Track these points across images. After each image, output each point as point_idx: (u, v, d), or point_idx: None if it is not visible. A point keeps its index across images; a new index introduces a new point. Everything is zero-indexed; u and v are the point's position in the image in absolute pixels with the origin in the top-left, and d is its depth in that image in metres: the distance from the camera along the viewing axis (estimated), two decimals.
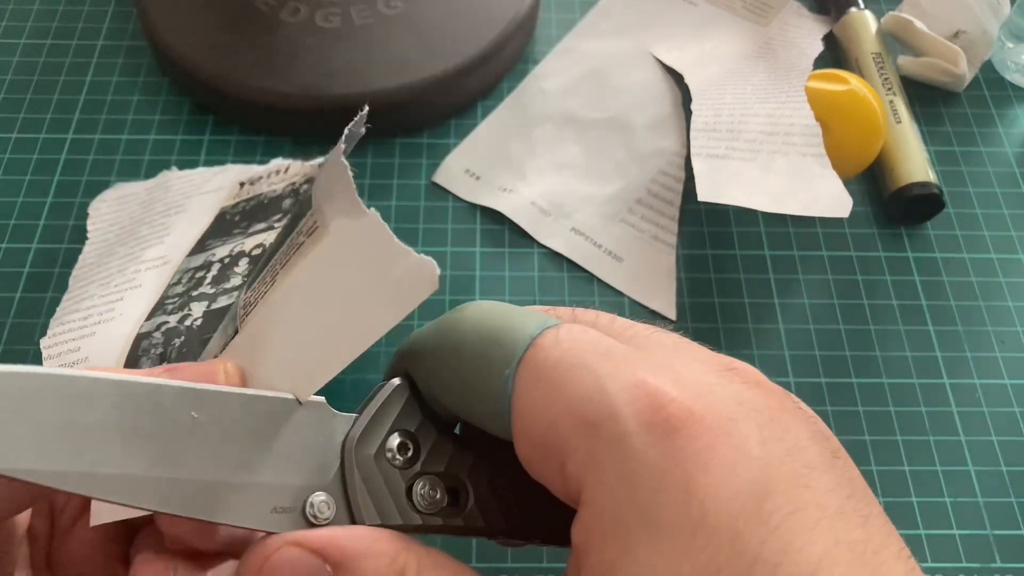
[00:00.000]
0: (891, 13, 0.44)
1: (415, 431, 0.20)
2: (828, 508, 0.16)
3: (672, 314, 0.36)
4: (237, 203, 0.33)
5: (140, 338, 0.28)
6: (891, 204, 0.39)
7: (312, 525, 0.18)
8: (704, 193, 0.35)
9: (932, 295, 0.37)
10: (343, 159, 0.19)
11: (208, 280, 0.29)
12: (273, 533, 0.17)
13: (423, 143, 0.42)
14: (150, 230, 0.34)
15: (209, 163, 0.41)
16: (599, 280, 0.37)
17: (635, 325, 0.19)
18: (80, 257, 0.34)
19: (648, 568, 0.15)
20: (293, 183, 0.32)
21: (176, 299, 0.29)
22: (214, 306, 0.28)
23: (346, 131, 0.20)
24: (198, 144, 0.41)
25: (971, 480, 0.33)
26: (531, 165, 0.41)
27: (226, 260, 0.30)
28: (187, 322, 0.28)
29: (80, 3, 0.47)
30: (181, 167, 0.40)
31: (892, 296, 0.37)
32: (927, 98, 0.44)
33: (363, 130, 0.20)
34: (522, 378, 0.18)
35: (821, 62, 0.43)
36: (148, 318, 0.29)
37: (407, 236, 0.38)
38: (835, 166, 0.36)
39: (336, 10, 0.43)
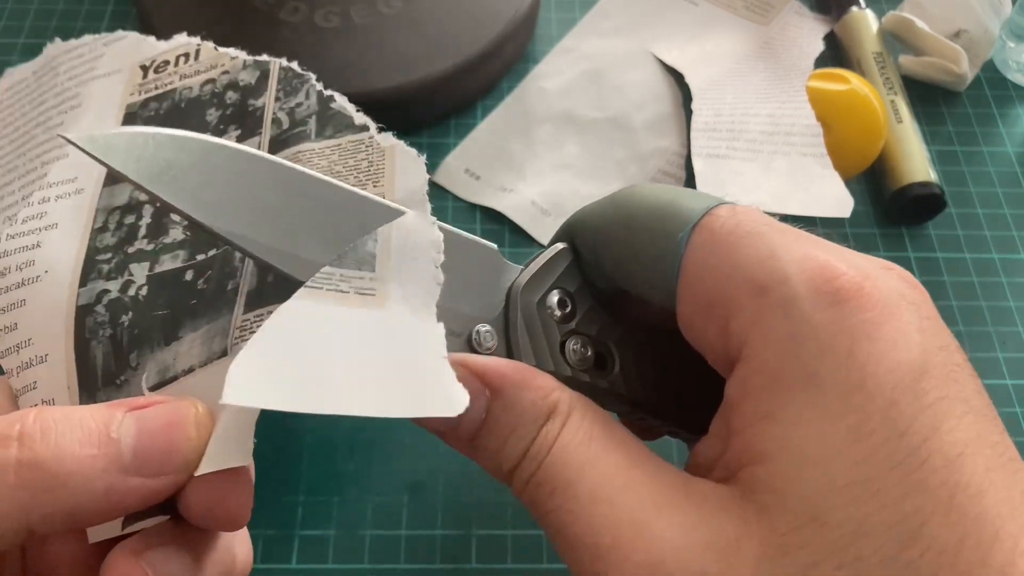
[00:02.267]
0: (892, 12, 0.44)
1: (574, 292, 0.21)
2: (974, 405, 0.17)
3: None
4: (146, 100, 0.29)
5: (82, 312, 0.24)
6: (892, 204, 0.39)
7: (475, 352, 0.19)
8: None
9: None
10: (437, 268, 0.19)
11: (143, 231, 0.26)
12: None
13: (423, 143, 0.42)
14: (46, 134, 0.29)
15: None
16: None
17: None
18: None
19: (804, 420, 0.16)
20: (211, 80, 0.28)
21: (109, 254, 0.25)
22: (158, 268, 0.25)
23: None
24: None
25: None
26: (531, 165, 0.41)
27: (157, 202, 0.27)
28: (131, 291, 0.25)
29: (79, 2, 0.47)
30: None
31: None
32: (928, 97, 0.44)
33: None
34: (696, 241, 0.19)
35: (822, 62, 0.43)
36: (82, 283, 0.25)
37: None
38: (836, 166, 0.36)
39: (336, 9, 0.43)
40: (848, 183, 0.36)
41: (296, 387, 0.17)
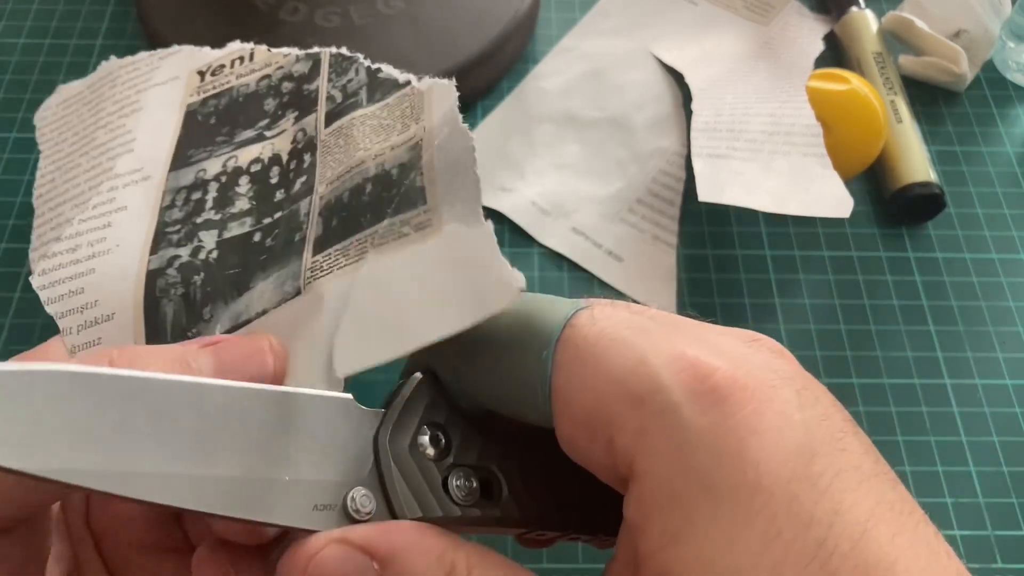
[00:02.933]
0: (892, 12, 0.44)
1: (444, 423, 0.20)
2: (864, 470, 0.16)
3: None
4: (205, 99, 0.30)
5: (152, 276, 0.25)
6: (892, 204, 0.39)
7: (354, 521, 0.18)
8: (705, 193, 0.35)
9: (933, 295, 0.37)
10: (475, 171, 0.19)
11: (209, 204, 0.27)
12: (314, 531, 0.17)
13: None
14: (109, 135, 0.31)
15: None
16: (599, 280, 0.37)
17: (650, 309, 0.19)
18: (38, 174, 0.31)
19: (712, 534, 0.16)
20: (267, 76, 0.30)
21: (178, 226, 0.27)
22: (227, 235, 0.26)
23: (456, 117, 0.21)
24: None
25: (972, 481, 0.33)
26: (531, 165, 0.41)
27: (223, 179, 0.28)
28: (201, 255, 0.26)
29: (79, 3, 0.47)
30: None
31: (893, 296, 0.37)
32: (928, 98, 0.44)
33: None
34: (561, 358, 0.18)
35: (822, 61, 0.43)
36: (153, 251, 0.26)
37: None
38: (836, 166, 0.36)
39: (336, 9, 0.43)
40: (848, 183, 0.36)
41: (384, 339, 0.18)
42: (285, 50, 0.29)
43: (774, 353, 0.18)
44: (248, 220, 0.26)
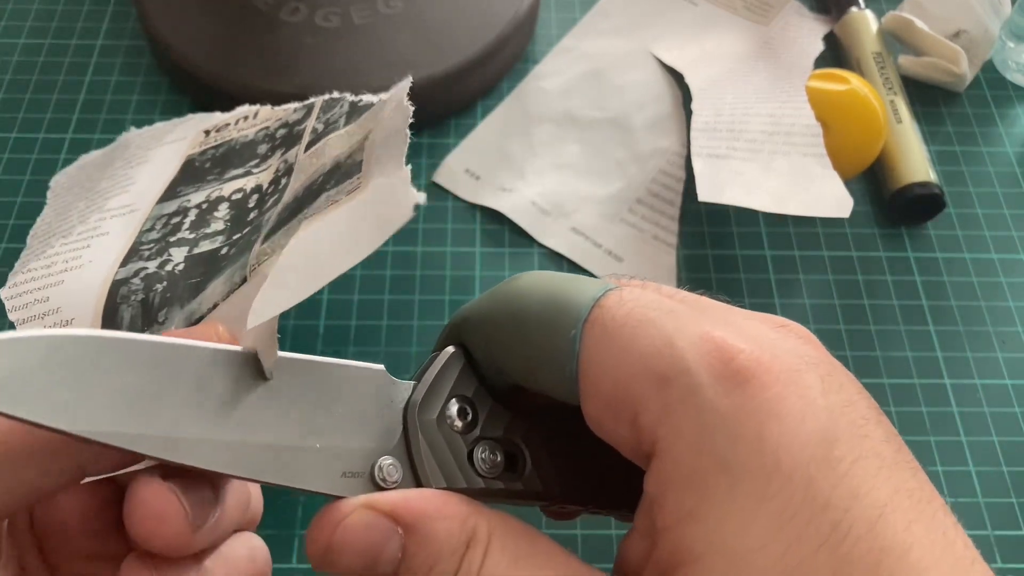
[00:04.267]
0: (892, 12, 0.44)
1: (472, 397, 0.20)
2: (885, 457, 0.16)
3: None
4: (204, 150, 0.32)
5: (116, 285, 0.26)
6: (892, 204, 0.39)
7: (380, 489, 0.18)
8: (704, 193, 0.35)
9: (933, 295, 0.37)
10: (406, 131, 0.19)
11: (186, 225, 0.28)
12: (342, 497, 0.18)
13: (423, 143, 0.42)
14: (111, 183, 0.32)
15: None
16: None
17: (680, 292, 0.20)
18: (39, 219, 0.33)
19: (726, 512, 0.16)
20: (266, 128, 0.31)
21: (152, 244, 0.28)
22: (196, 251, 0.27)
23: (399, 97, 0.21)
24: None
25: (972, 480, 0.33)
26: (531, 165, 0.41)
27: (204, 206, 0.29)
28: (168, 267, 0.27)
29: (79, 3, 0.47)
30: None
31: (893, 296, 0.37)
32: (928, 98, 0.44)
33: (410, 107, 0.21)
34: (589, 337, 0.18)
35: (822, 62, 0.43)
36: (122, 264, 0.27)
37: (407, 236, 0.38)
38: (836, 166, 0.36)
39: (336, 10, 0.43)
40: (848, 183, 0.36)
41: (295, 284, 0.17)
42: (287, 105, 0.30)
43: (801, 339, 0.18)
44: (220, 238, 0.26)
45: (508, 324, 0.20)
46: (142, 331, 0.23)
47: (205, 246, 0.27)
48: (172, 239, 0.27)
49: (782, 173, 0.36)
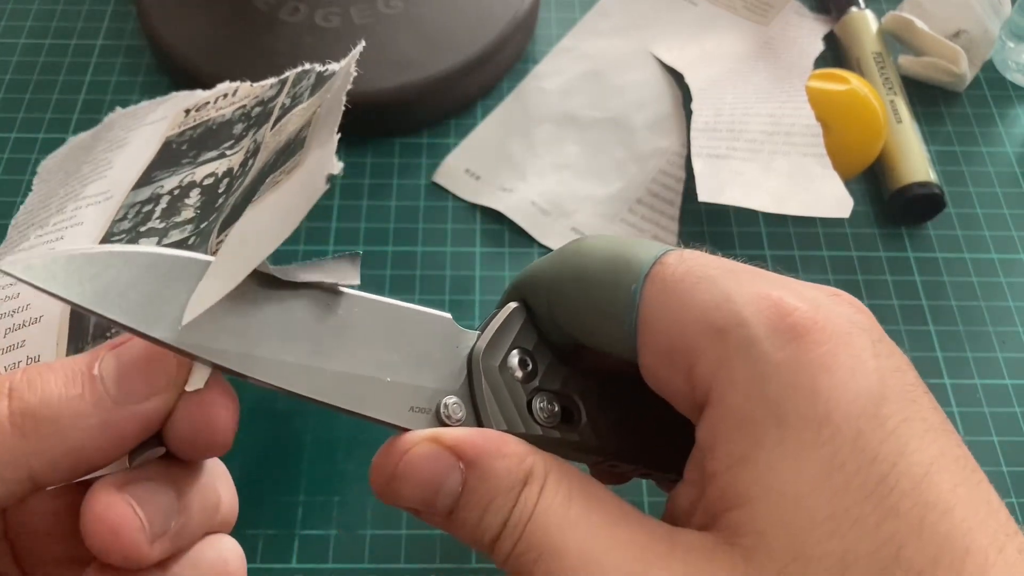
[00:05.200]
0: (892, 12, 0.44)
1: (532, 350, 0.21)
2: (932, 423, 0.17)
3: None
4: (183, 131, 0.31)
5: None
6: (892, 204, 0.39)
7: (444, 426, 0.19)
8: (704, 193, 0.35)
9: (933, 295, 0.37)
10: (342, 99, 0.19)
11: (157, 214, 0.27)
12: (408, 430, 0.19)
13: (423, 143, 0.42)
14: (91, 168, 0.32)
15: None
16: None
17: (736, 262, 0.21)
18: (21, 208, 0.32)
19: (777, 457, 0.17)
20: (243, 106, 0.30)
21: (123, 235, 0.27)
22: (165, 241, 0.26)
23: (343, 66, 0.20)
24: None
25: None
26: (531, 165, 0.41)
27: (175, 192, 0.28)
28: None
29: (79, 3, 0.47)
30: None
31: (893, 296, 0.37)
32: (928, 98, 0.44)
33: (354, 71, 0.21)
34: (649, 291, 0.19)
35: (822, 62, 0.43)
36: None
37: (407, 236, 0.38)
38: (836, 166, 0.36)
39: (336, 10, 0.43)
40: (848, 183, 0.36)
41: (234, 264, 0.18)
42: (265, 81, 0.30)
43: (853, 307, 0.19)
44: (189, 227, 0.26)
45: (571, 281, 0.21)
46: (107, 328, 0.23)
47: (174, 236, 0.26)
48: (143, 228, 0.27)
49: (782, 173, 0.36)
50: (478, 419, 0.20)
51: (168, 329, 0.17)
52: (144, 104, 0.34)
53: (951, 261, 0.38)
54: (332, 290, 0.19)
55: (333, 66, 0.25)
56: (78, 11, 0.47)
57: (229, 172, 0.27)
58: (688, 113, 0.41)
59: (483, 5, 0.43)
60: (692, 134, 0.38)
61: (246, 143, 0.28)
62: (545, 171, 0.40)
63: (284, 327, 0.18)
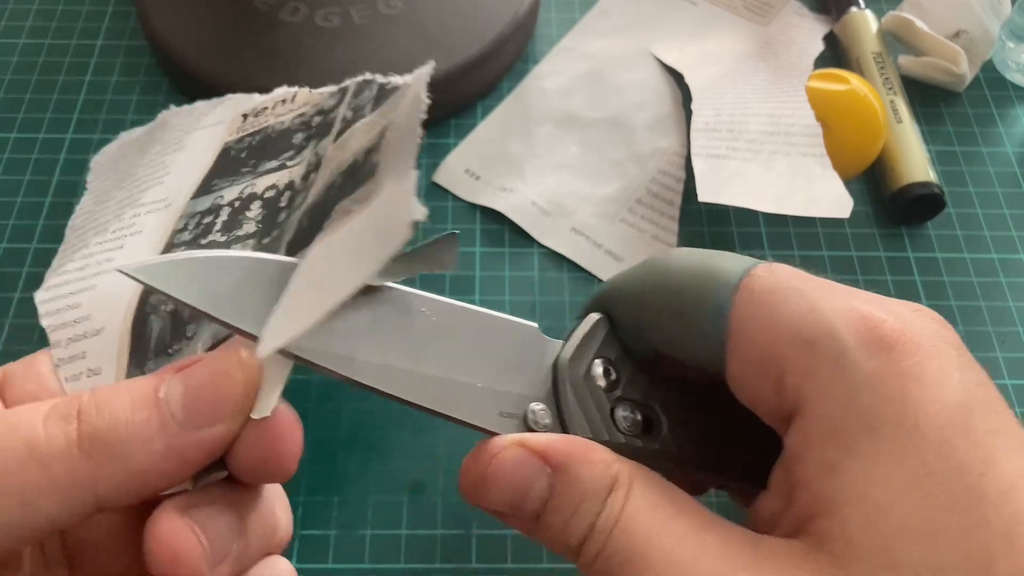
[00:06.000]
0: (892, 12, 0.44)
1: (615, 359, 0.22)
2: (1018, 436, 0.17)
3: None
4: (241, 137, 0.31)
5: (147, 293, 0.25)
6: (892, 204, 0.39)
7: (532, 431, 0.20)
8: (704, 193, 0.35)
9: (933, 295, 0.37)
10: (419, 129, 0.19)
11: (218, 226, 0.27)
12: (496, 434, 0.19)
13: (423, 143, 0.42)
14: (147, 171, 0.32)
15: None
16: (599, 280, 0.37)
17: (822, 279, 0.21)
18: (78, 208, 0.32)
19: (867, 466, 0.17)
20: (303, 114, 0.30)
21: (183, 247, 0.27)
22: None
23: (416, 88, 0.20)
24: None
25: None
26: (531, 165, 0.41)
27: (236, 204, 0.28)
28: None
29: (79, 3, 0.47)
30: None
31: (893, 296, 0.37)
32: (928, 98, 0.44)
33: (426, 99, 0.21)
34: (739, 302, 0.20)
35: (822, 62, 0.43)
36: None
37: None
38: (835, 166, 0.36)
39: (336, 10, 0.43)
40: (848, 183, 0.36)
41: (308, 309, 0.18)
42: (324, 89, 0.30)
43: (937, 322, 0.19)
44: (250, 242, 0.26)
45: (659, 292, 0.21)
46: (169, 345, 0.23)
47: (236, 252, 0.26)
48: (203, 241, 0.27)
49: (782, 173, 0.36)
50: (563, 426, 0.20)
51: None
52: (199, 104, 0.34)
53: (951, 261, 0.38)
54: (422, 295, 0.20)
55: (396, 79, 0.25)
56: (78, 11, 0.47)
57: (290, 185, 0.27)
58: (688, 113, 0.41)
59: (483, 5, 0.43)
60: (692, 134, 0.38)
61: (307, 155, 0.28)
62: (545, 171, 0.40)
63: (380, 331, 0.19)
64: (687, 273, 0.21)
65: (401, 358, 0.19)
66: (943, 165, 0.42)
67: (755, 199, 0.35)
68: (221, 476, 0.19)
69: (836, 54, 0.45)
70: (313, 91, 0.30)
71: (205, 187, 0.29)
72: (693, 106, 0.40)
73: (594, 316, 0.22)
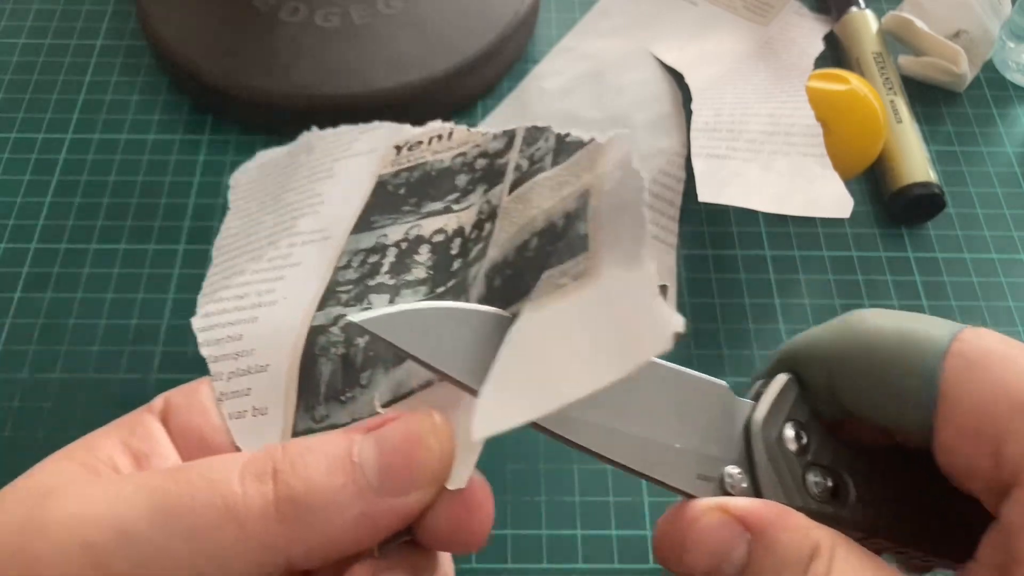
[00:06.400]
0: (892, 12, 0.44)
1: (805, 423, 0.21)
2: None
3: None
4: (397, 172, 0.29)
5: (314, 332, 0.24)
6: (892, 204, 0.39)
7: (728, 495, 0.20)
8: (704, 193, 0.35)
9: (933, 295, 0.37)
10: (643, 209, 0.19)
11: (385, 268, 0.26)
12: (694, 497, 0.19)
13: None
14: (298, 197, 0.30)
15: (208, 163, 0.41)
16: None
17: None
18: (223, 227, 0.31)
19: None
20: (463, 154, 0.29)
21: (350, 287, 0.26)
22: (399, 301, 0.25)
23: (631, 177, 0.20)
24: (197, 144, 0.41)
25: None
26: None
27: (403, 245, 0.27)
28: None
29: (79, 3, 0.47)
30: (179, 167, 0.40)
31: (893, 296, 0.37)
32: (928, 98, 0.44)
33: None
34: (951, 367, 0.19)
35: (822, 61, 0.43)
36: (320, 307, 0.25)
37: None
38: (836, 166, 0.36)
39: (336, 10, 0.43)
40: (848, 183, 0.36)
41: (534, 396, 0.18)
42: (483, 129, 0.29)
43: None
44: (423, 289, 0.24)
45: (859, 356, 0.21)
46: (343, 390, 0.22)
47: (406, 296, 0.25)
48: (371, 283, 0.25)
49: (782, 173, 0.36)
50: (757, 491, 0.20)
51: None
52: (345, 129, 0.33)
53: (951, 261, 0.38)
54: None
55: (577, 135, 0.24)
56: (78, 11, 0.47)
57: (460, 232, 0.26)
58: (688, 113, 0.41)
59: (483, 5, 0.43)
60: (692, 134, 0.38)
61: (475, 200, 0.27)
62: None
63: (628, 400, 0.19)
64: (890, 336, 0.20)
65: (607, 416, 0.19)
66: (943, 165, 0.42)
67: (755, 199, 0.35)
68: (404, 539, 0.18)
69: (836, 54, 0.45)
70: (472, 130, 0.29)
71: (364, 222, 0.28)
72: (693, 106, 0.40)
73: (783, 377, 0.22)
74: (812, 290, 0.37)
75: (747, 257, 0.38)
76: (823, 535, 0.18)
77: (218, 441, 0.21)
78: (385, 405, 0.21)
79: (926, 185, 0.38)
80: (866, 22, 0.44)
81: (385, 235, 0.27)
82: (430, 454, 0.18)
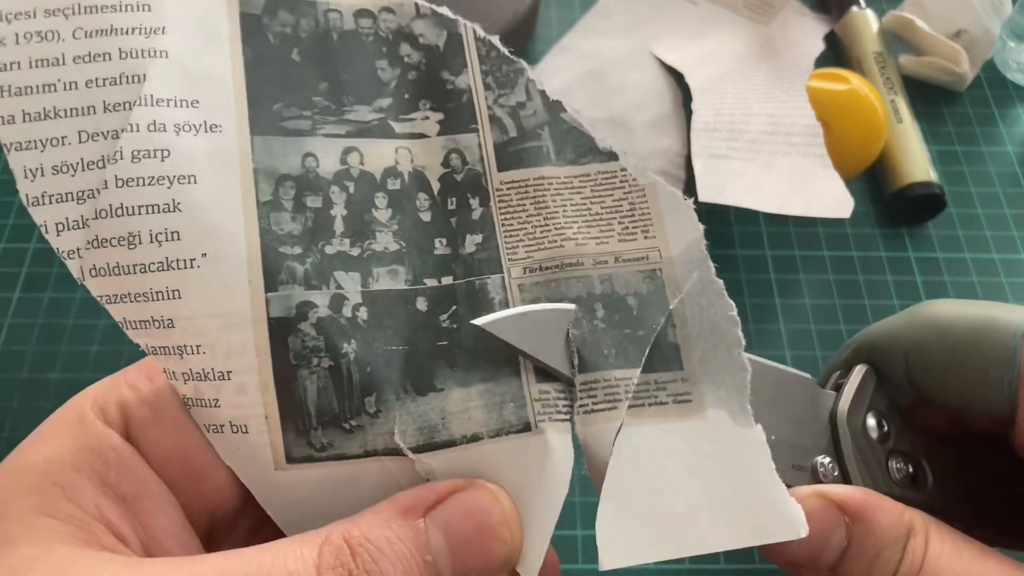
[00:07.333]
0: (892, 12, 0.44)
1: (884, 411, 0.22)
2: None
3: None
4: (271, 5, 0.20)
5: (280, 329, 0.18)
6: (892, 204, 0.39)
7: (820, 483, 0.21)
8: (705, 193, 0.35)
9: (933, 295, 0.37)
10: (741, 355, 0.19)
11: (338, 226, 0.19)
12: (791, 486, 0.19)
13: None
14: (121, 16, 0.19)
15: None
16: None
17: None
18: None
19: None
20: (369, 14, 0.21)
21: (295, 246, 0.19)
22: (374, 285, 0.19)
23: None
24: None
25: None
26: None
27: (348, 185, 0.20)
28: (346, 310, 0.19)
29: None
30: None
31: (893, 296, 0.37)
32: (928, 97, 0.44)
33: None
34: None
35: (822, 61, 0.43)
36: (269, 285, 0.18)
37: None
38: (836, 166, 0.36)
39: None
40: (848, 183, 0.36)
41: (656, 537, 0.18)
42: None
43: None
44: (400, 270, 0.19)
45: (935, 344, 0.22)
46: (344, 417, 0.19)
47: (384, 280, 0.19)
48: (329, 250, 0.19)
49: (782, 173, 0.36)
50: (845, 478, 0.21)
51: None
52: None
53: (952, 261, 0.38)
54: None
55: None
56: None
57: (422, 183, 0.20)
58: (688, 113, 0.41)
59: (483, 5, 0.43)
60: (692, 134, 0.38)
61: (426, 128, 0.21)
62: None
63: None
64: (968, 323, 0.21)
65: None
66: (944, 165, 0.41)
67: (755, 199, 0.35)
68: None
69: (837, 54, 0.45)
70: None
71: (262, 108, 0.19)
72: (693, 106, 0.40)
73: (862, 368, 0.23)
74: (812, 290, 0.37)
75: (747, 257, 0.38)
76: (915, 516, 0.19)
77: (204, 463, 0.19)
78: (416, 450, 0.18)
79: (927, 185, 0.38)
80: (867, 22, 0.44)
81: (311, 154, 0.19)
82: (503, 548, 0.17)
